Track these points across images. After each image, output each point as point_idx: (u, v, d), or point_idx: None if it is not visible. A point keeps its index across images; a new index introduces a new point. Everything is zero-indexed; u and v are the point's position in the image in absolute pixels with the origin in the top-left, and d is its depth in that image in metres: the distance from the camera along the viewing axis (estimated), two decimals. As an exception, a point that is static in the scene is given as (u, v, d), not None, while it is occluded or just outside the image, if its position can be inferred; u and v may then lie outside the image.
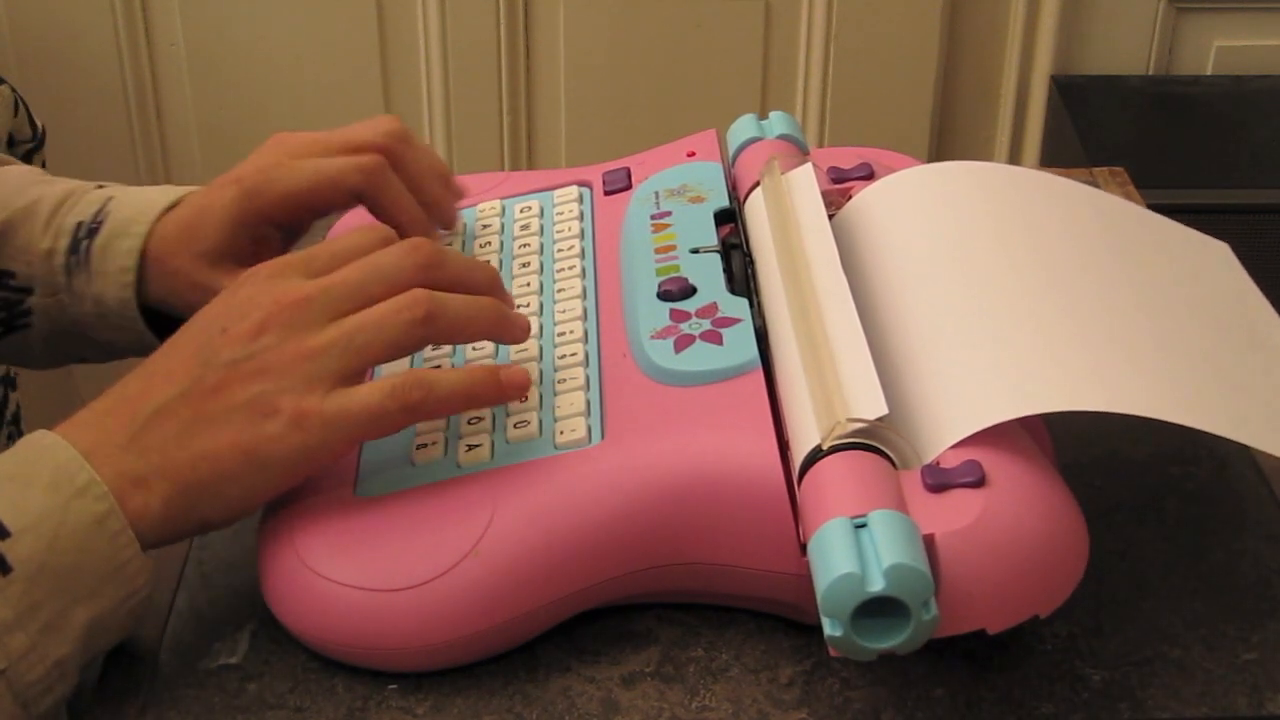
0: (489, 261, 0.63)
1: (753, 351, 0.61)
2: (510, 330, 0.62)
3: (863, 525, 0.51)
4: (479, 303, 0.60)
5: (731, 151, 0.77)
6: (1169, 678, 0.57)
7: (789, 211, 0.68)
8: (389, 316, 0.58)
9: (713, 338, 0.63)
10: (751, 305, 0.65)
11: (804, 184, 0.69)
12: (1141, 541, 0.64)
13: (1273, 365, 0.63)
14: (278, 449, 0.56)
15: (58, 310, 0.77)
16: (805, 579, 0.54)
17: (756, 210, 0.71)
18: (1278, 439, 0.58)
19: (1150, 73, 1.84)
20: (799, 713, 0.56)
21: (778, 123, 0.77)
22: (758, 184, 0.72)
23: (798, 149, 0.75)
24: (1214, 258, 0.70)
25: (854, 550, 0.50)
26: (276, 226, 0.75)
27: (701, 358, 0.62)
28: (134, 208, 0.75)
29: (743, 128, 0.77)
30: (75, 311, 0.76)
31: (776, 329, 0.63)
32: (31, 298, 0.77)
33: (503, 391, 0.60)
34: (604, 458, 0.59)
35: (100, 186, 0.78)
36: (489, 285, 0.62)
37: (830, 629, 0.50)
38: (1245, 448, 0.68)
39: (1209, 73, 1.84)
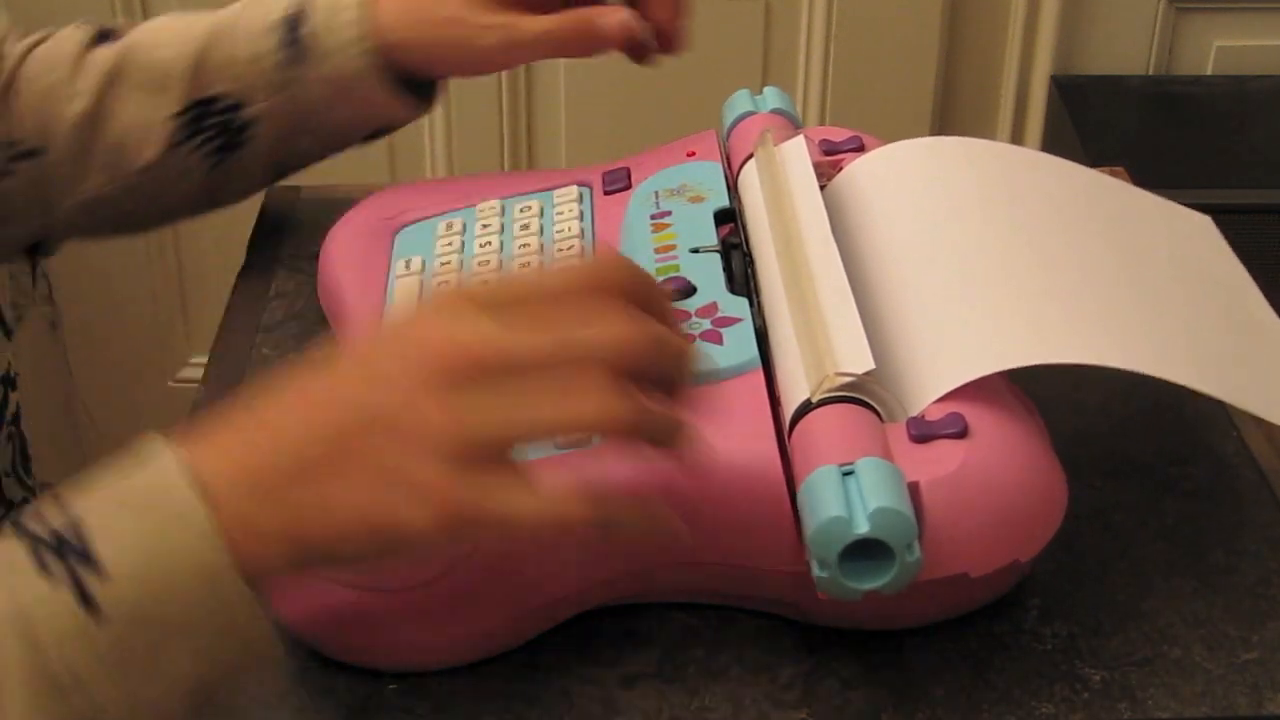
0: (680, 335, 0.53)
1: (753, 351, 0.61)
2: (673, 454, 0.53)
3: (850, 472, 0.53)
4: (668, 426, 0.51)
5: (725, 126, 0.78)
6: (1169, 678, 0.57)
7: (781, 181, 0.69)
8: (563, 402, 0.49)
9: (713, 337, 0.63)
10: (751, 305, 0.65)
11: (796, 154, 0.71)
12: (1141, 541, 0.64)
13: (1249, 328, 0.65)
14: (411, 532, 0.49)
15: (287, 106, 0.80)
16: (805, 578, 0.54)
17: (750, 181, 0.72)
18: (1250, 396, 0.60)
19: (1150, 73, 1.84)
20: (799, 713, 0.56)
21: (771, 98, 0.79)
22: (751, 156, 0.73)
23: (791, 123, 0.77)
24: (1195, 229, 0.72)
25: (841, 495, 0.52)
26: None
27: (701, 357, 0.62)
28: None
29: (737, 102, 0.79)
30: (305, 101, 0.79)
31: (770, 291, 0.64)
32: (249, 109, 0.80)
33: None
34: (604, 457, 0.59)
35: None
36: (685, 376, 0.53)
37: (818, 570, 0.52)
38: (1245, 447, 0.69)
39: (1209, 73, 1.84)
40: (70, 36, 0.83)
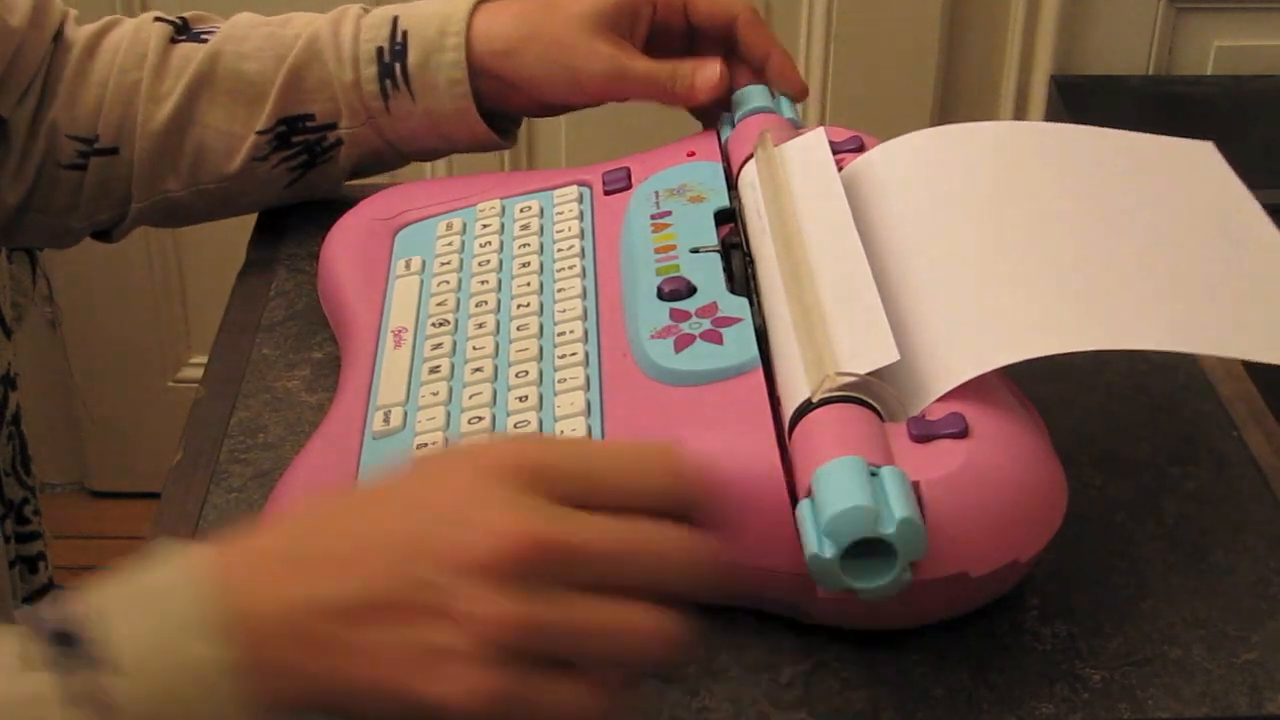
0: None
1: (753, 351, 0.61)
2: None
3: (874, 474, 0.53)
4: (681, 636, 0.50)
5: (735, 115, 0.79)
6: (1169, 678, 0.57)
7: (782, 180, 0.69)
8: (622, 637, 0.48)
9: (713, 337, 0.63)
10: (751, 305, 0.65)
11: (816, 145, 0.70)
12: (1141, 541, 0.64)
13: (1260, 268, 0.64)
14: (440, 713, 0.47)
15: (374, 133, 0.81)
16: (805, 578, 0.54)
17: (750, 180, 0.72)
18: (1264, 347, 0.59)
19: (1150, 73, 1.84)
20: (799, 713, 0.56)
21: (784, 108, 0.79)
22: (751, 156, 0.73)
23: (793, 128, 0.77)
24: (1199, 163, 0.71)
25: (869, 489, 0.52)
26: (644, 25, 0.80)
27: (701, 357, 0.62)
28: (435, 21, 0.79)
29: (751, 95, 0.79)
30: (394, 131, 0.81)
31: (770, 290, 0.64)
32: (337, 130, 0.81)
33: None
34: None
35: (365, 9, 0.82)
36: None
37: (820, 549, 0.52)
38: (1245, 447, 0.68)
39: (1209, 73, 1.84)
40: (149, 29, 0.82)
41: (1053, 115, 1.82)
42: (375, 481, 0.51)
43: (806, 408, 0.57)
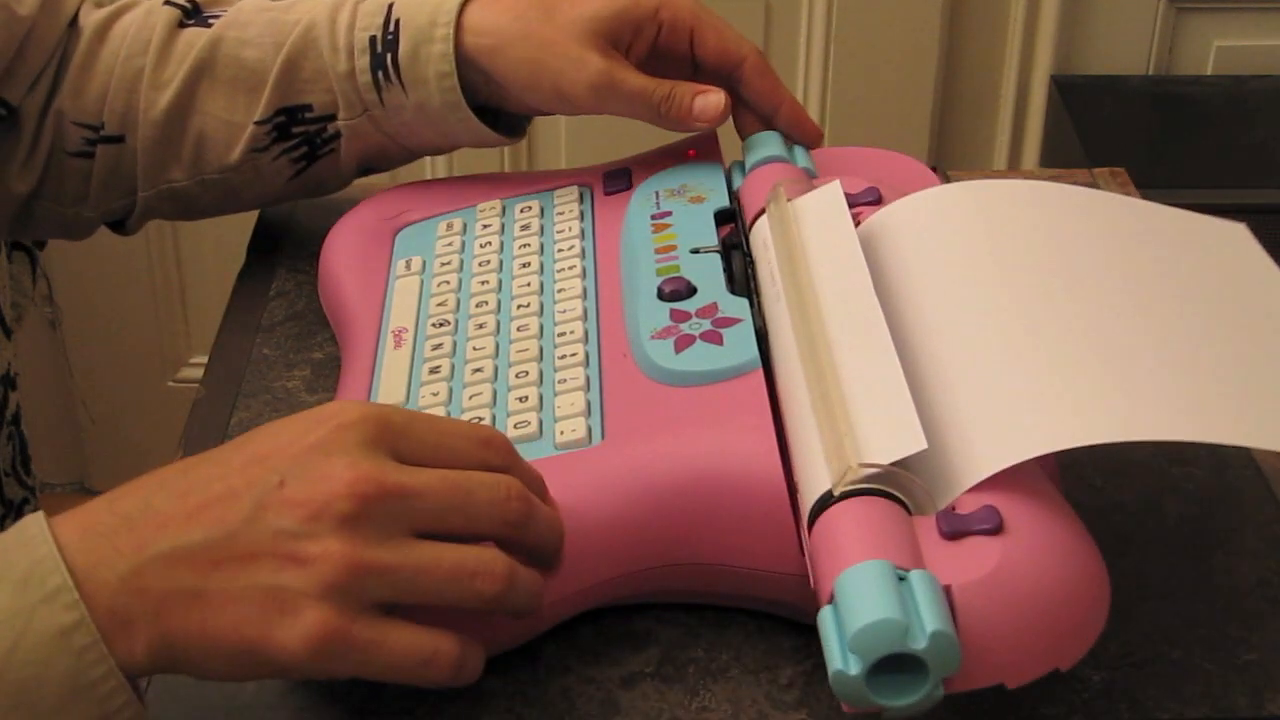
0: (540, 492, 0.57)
1: (753, 351, 0.61)
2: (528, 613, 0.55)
3: (902, 578, 0.50)
4: (538, 586, 0.54)
5: (747, 163, 0.75)
6: (1169, 678, 0.57)
7: (796, 241, 0.65)
8: (462, 579, 0.51)
9: (713, 338, 0.63)
10: (751, 305, 0.65)
11: (832, 202, 0.66)
12: (1141, 541, 0.64)
13: None
14: (283, 656, 0.49)
15: (371, 125, 0.79)
16: (805, 579, 0.54)
17: (763, 240, 0.68)
18: None
19: (1150, 73, 1.84)
20: (799, 713, 0.56)
21: (800, 158, 0.75)
22: (763, 211, 0.69)
23: (809, 178, 0.73)
24: (1233, 244, 0.67)
25: (898, 599, 0.49)
26: (644, 44, 0.77)
27: (701, 358, 0.62)
28: (427, 10, 0.77)
29: (764, 142, 0.76)
30: (390, 124, 0.79)
31: (785, 366, 0.61)
32: (336, 122, 0.79)
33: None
34: (604, 458, 0.59)
35: None
36: (553, 555, 0.56)
37: (845, 666, 0.49)
38: (1245, 447, 0.68)
39: (1209, 73, 1.84)
40: (158, 13, 0.81)
41: (1053, 115, 1.83)
42: (224, 444, 0.54)
43: (827, 501, 0.53)
